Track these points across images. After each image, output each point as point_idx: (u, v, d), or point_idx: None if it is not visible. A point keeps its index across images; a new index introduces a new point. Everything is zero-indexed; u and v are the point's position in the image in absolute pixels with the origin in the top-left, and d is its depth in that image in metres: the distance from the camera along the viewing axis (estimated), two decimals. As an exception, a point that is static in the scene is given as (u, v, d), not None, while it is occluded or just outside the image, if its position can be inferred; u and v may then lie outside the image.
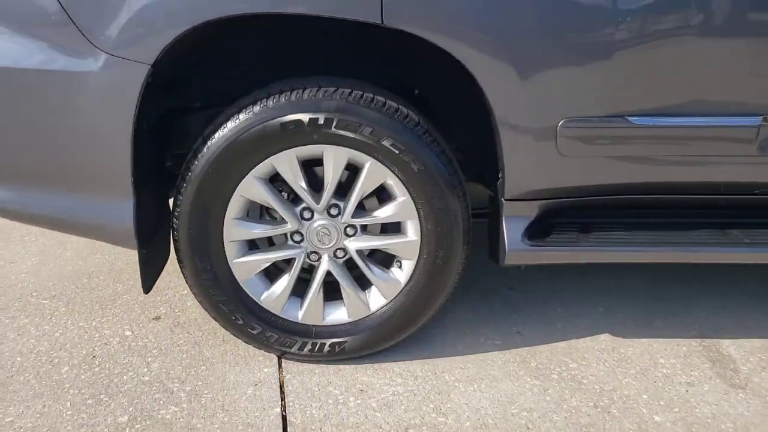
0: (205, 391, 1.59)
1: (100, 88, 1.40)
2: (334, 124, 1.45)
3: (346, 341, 1.66)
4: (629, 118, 1.48)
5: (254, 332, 1.65)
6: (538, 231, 1.61)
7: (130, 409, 1.53)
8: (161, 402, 1.55)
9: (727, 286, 2.15)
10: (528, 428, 1.47)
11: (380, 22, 1.37)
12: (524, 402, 1.56)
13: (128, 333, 1.86)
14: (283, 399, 1.57)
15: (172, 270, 1.99)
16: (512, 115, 1.46)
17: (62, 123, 1.46)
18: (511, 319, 1.94)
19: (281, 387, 1.61)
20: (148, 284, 1.63)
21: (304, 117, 1.45)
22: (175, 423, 1.48)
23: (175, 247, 1.60)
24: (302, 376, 1.66)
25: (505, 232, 1.58)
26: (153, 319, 1.93)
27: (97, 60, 1.38)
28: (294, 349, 1.66)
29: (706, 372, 1.70)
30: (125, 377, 1.65)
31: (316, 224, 1.59)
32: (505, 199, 1.57)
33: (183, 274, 1.63)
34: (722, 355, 1.77)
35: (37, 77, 1.42)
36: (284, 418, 1.50)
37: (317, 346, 1.66)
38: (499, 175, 1.56)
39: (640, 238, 1.61)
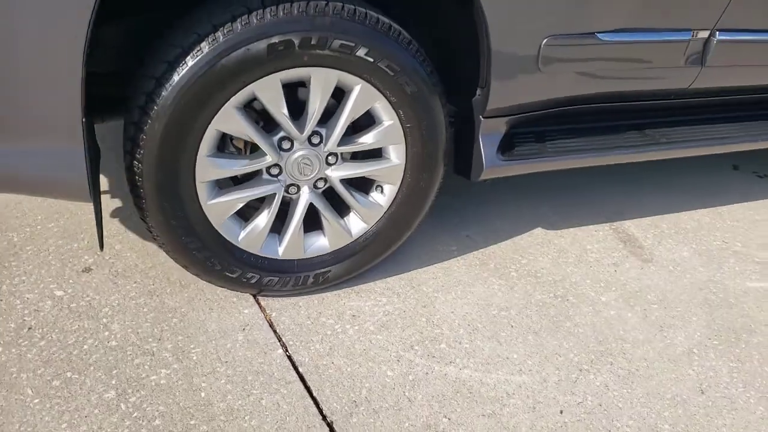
0: (191, 346, 1.46)
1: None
2: (328, 45, 1.29)
3: (330, 270, 1.62)
4: (598, 35, 1.55)
5: (234, 276, 1.52)
6: (505, 145, 1.68)
7: (113, 382, 1.34)
8: (146, 367, 1.39)
9: (616, 170, 2.50)
10: (512, 326, 1.64)
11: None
12: (499, 302, 1.72)
13: (59, 293, 1.57)
14: (279, 339, 1.51)
15: (75, 210, 1.69)
16: (505, 29, 1.43)
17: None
18: (457, 225, 2.05)
19: (272, 327, 1.54)
20: (103, 239, 1.37)
21: (296, 37, 1.26)
22: (175, 386, 1.35)
23: (135, 194, 1.35)
24: (288, 311, 1.59)
25: (482, 149, 1.61)
26: (83, 271, 1.65)
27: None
28: (277, 286, 1.58)
29: (622, 252, 2.01)
30: (86, 346, 1.43)
31: (296, 155, 1.45)
32: (483, 117, 1.59)
33: (147, 223, 1.40)
34: (628, 235, 2.11)
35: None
36: (290, 359, 1.46)
37: (300, 280, 1.60)
38: (477, 92, 1.56)
39: (591, 144, 1.77)
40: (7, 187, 1.22)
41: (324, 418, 1.30)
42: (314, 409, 1.32)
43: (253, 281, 1.55)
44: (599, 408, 1.39)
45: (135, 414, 1.27)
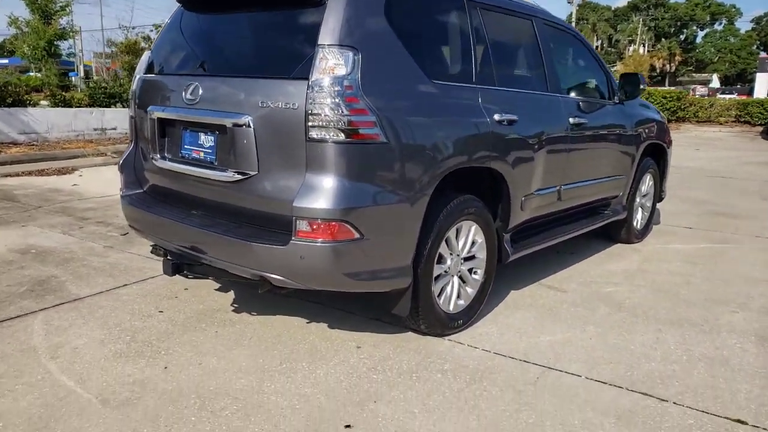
0: (423, 354, 3.03)
1: (412, 207, 2.80)
2: (469, 211, 3.22)
3: (466, 315, 3.36)
4: (536, 192, 3.78)
5: (453, 325, 3.20)
6: (512, 242, 3.73)
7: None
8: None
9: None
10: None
11: (489, 166, 3.25)
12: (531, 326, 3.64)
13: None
14: (457, 342, 3.17)
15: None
16: (515, 195, 3.54)
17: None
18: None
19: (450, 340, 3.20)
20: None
21: (466, 211, 3.18)
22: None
23: (414, 296, 2.99)
24: (465, 336, 3.26)
25: (507, 247, 3.62)
26: (357, 348, 3.07)
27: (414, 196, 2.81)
28: (454, 327, 3.26)
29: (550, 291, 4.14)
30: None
31: (454, 260, 3.26)
32: (504, 233, 3.62)
33: (413, 316, 3.02)
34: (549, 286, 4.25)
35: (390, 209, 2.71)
36: (475, 348, 3.13)
37: (459, 322, 3.31)
38: (499, 222, 3.59)
39: (543, 236, 3.95)
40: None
41: (518, 360, 3.03)
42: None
43: (456, 325, 3.23)
44: (598, 334, 3.40)
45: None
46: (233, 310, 3.56)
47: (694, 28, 73.44)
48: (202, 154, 2.99)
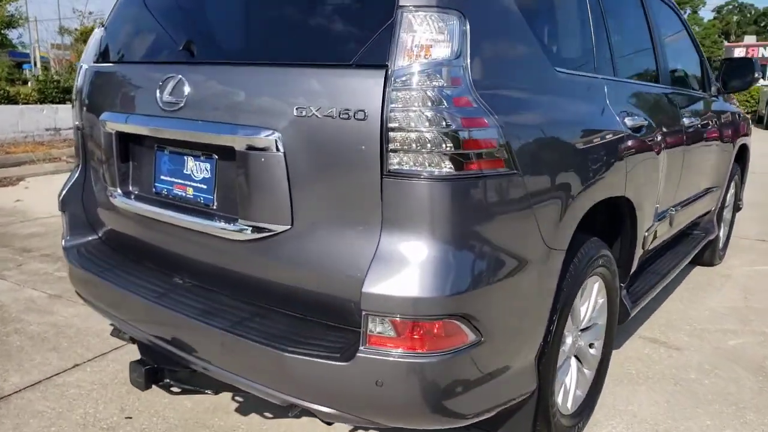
0: (573, 495, 1.96)
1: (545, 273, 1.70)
2: (598, 263, 2.14)
3: (584, 409, 2.29)
4: (655, 221, 2.72)
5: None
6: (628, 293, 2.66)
7: None
8: None
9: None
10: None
11: (623, 194, 2.17)
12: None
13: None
14: (604, 468, 2.10)
15: None
16: (641, 229, 2.47)
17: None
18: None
19: (590, 463, 2.12)
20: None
21: (599, 270, 2.10)
22: None
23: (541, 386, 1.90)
24: (585, 450, 2.19)
25: (626, 302, 2.56)
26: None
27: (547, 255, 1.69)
28: (574, 433, 2.19)
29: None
30: None
31: (573, 335, 2.18)
32: (623, 282, 2.56)
33: (537, 412, 1.93)
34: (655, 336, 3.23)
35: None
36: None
37: (579, 426, 2.23)
38: (617, 269, 2.53)
39: (657, 273, 2.90)
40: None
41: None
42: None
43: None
44: None
45: None
46: (236, 409, 2.41)
47: (663, 17, 73.70)
48: (190, 191, 1.83)
